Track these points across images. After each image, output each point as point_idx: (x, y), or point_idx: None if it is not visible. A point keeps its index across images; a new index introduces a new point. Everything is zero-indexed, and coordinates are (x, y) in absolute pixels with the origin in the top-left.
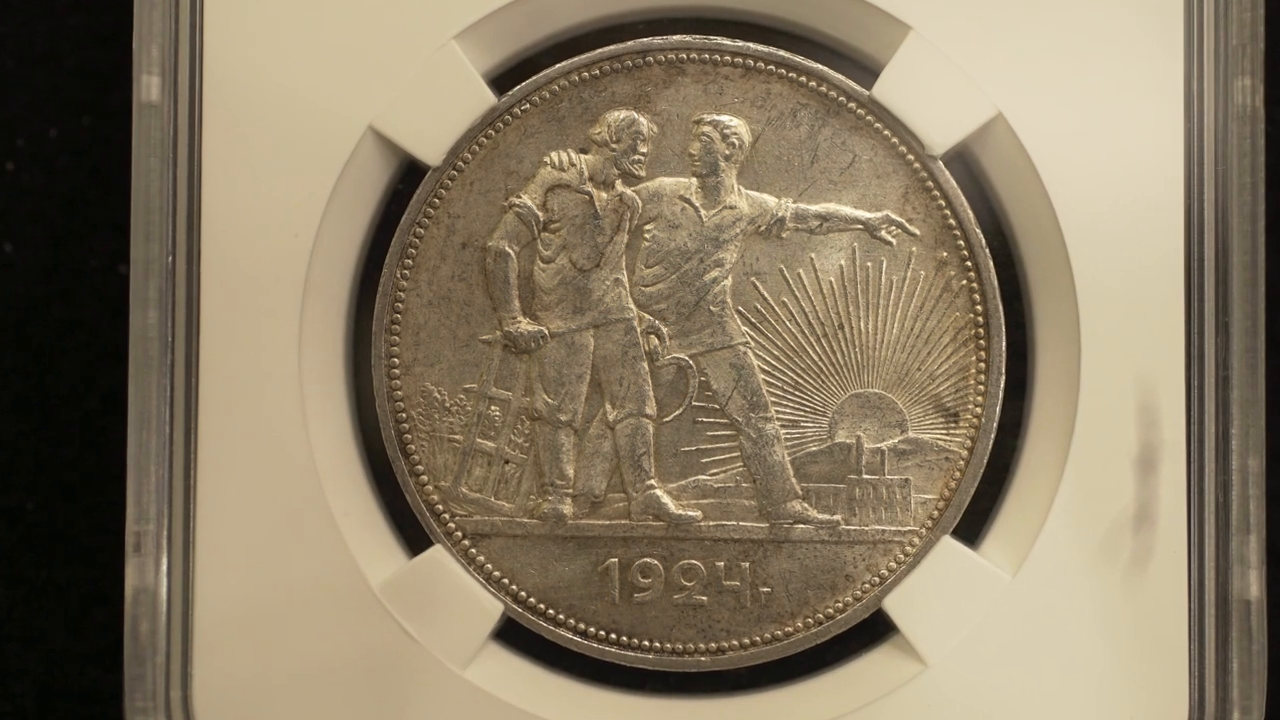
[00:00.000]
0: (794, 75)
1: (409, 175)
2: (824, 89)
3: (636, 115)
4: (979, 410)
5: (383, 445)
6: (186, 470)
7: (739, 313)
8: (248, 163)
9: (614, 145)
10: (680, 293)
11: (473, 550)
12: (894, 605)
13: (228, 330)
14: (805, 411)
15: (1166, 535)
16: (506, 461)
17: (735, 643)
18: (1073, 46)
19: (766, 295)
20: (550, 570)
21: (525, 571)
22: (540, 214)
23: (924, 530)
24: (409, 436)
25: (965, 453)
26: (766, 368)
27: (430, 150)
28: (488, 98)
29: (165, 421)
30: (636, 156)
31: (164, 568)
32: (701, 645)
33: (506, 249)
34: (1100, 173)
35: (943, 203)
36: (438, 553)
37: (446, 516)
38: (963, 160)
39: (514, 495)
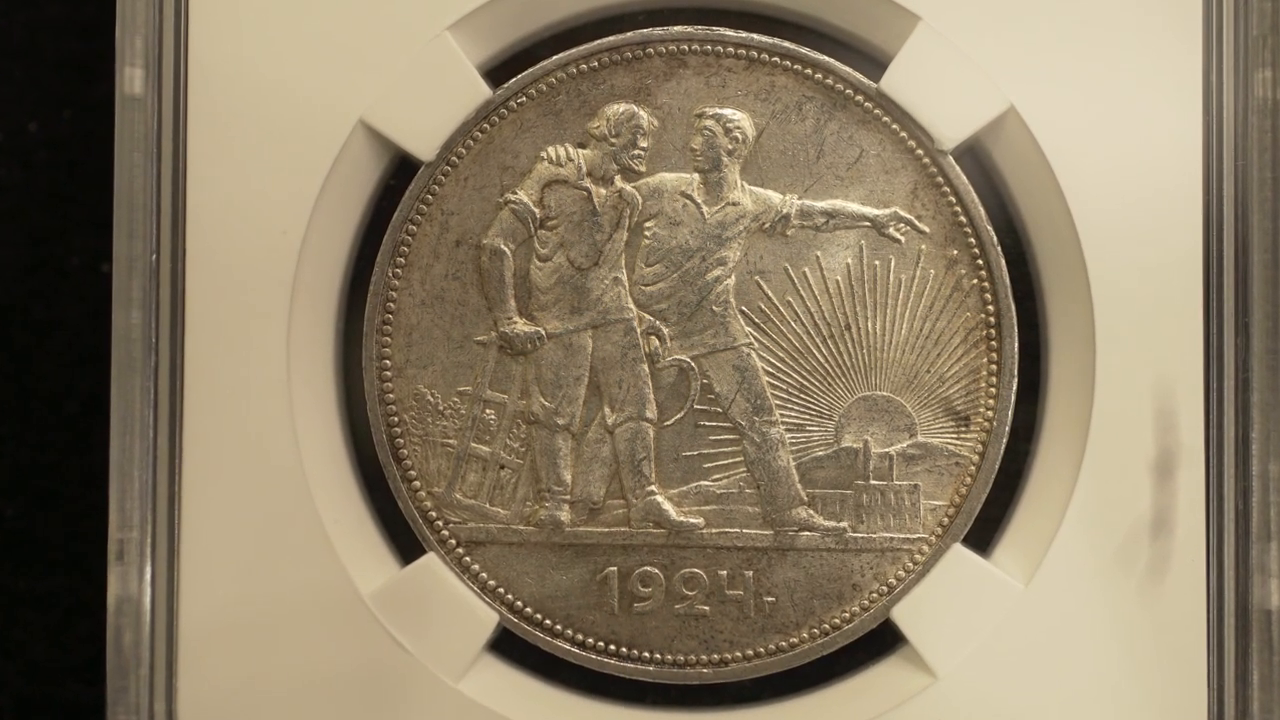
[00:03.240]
0: (799, 67)
1: (401, 170)
2: (830, 81)
3: (636, 109)
4: (990, 414)
5: (374, 450)
6: (171, 476)
7: (742, 313)
8: (234, 158)
9: (613, 140)
10: (681, 292)
11: (467, 558)
12: (902, 615)
13: (213, 331)
14: (811, 415)
15: (1184, 543)
16: (502, 467)
17: (738, 654)
18: (1088, 37)
19: (771, 295)
20: (547, 579)
21: (521, 580)
22: (537, 211)
23: (934, 538)
24: (401, 441)
25: (976, 457)
26: (771, 370)
27: (423, 145)
28: (483, 90)
29: (149, 425)
30: (636, 151)
31: (148, 576)
32: (704, 656)
33: (502, 247)
34: (1116, 168)
35: (953, 199)
36: (431, 561)
37: (440, 523)
38: (974, 155)
39: (509, 501)
